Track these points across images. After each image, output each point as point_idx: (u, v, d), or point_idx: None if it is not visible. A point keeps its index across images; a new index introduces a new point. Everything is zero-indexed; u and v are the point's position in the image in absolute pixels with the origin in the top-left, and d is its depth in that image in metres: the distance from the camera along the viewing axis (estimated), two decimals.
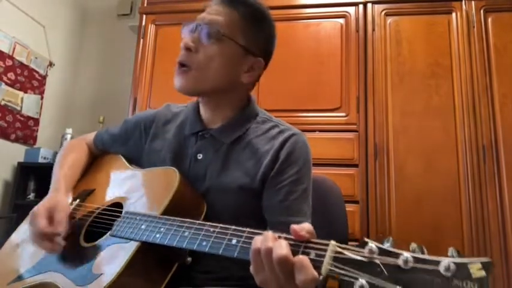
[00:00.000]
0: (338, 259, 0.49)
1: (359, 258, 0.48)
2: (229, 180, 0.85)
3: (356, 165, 1.97)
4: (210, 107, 0.93)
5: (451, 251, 0.45)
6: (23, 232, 0.96)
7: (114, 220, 0.79)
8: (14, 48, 2.56)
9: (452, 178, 1.90)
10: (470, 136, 1.93)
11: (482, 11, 2.07)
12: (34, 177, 2.53)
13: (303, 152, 0.87)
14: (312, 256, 0.51)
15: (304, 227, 0.54)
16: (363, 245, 0.48)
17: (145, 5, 2.47)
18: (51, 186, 0.94)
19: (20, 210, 2.35)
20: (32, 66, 2.71)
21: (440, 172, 1.91)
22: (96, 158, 1.08)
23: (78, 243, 0.82)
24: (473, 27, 2.06)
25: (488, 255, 1.78)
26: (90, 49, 3.18)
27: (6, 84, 2.50)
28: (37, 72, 2.75)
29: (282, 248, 0.51)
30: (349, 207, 1.65)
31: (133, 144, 1.01)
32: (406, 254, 0.45)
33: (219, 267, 0.82)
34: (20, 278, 0.83)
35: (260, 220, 0.84)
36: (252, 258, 0.54)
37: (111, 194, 0.91)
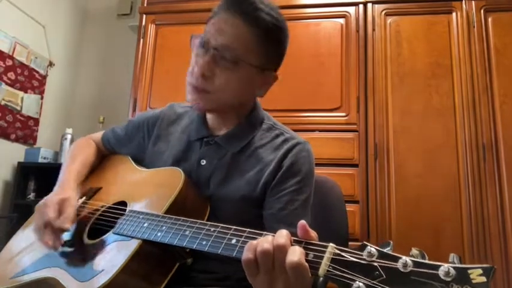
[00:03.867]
0: (336, 261, 0.49)
1: (357, 260, 0.48)
2: (232, 190, 0.85)
3: (356, 165, 1.97)
4: (217, 114, 0.93)
5: (452, 256, 0.44)
6: (27, 229, 0.96)
7: (118, 218, 0.80)
8: (14, 48, 2.56)
9: (452, 178, 1.90)
10: (470, 136, 1.93)
11: (482, 11, 2.07)
12: (34, 177, 2.52)
13: (306, 162, 0.87)
14: (310, 257, 0.51)
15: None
16: (362, 248, 0.48)
17: (145, 5, 2.46)
18: (61, 178, 0.93)
19: (20, 210, 2.35)
20: (32, 66, 2.71)
21: (441, 172, 1.91)
22: (104, 157, 1.09)
23: (81, 240, 0.82)
24: (474, 27, 2.06)
25: (488, 256, 1.79)
26: (90, 49, 3.17)
27: (6, 84, 2.50)
28: (37, 72, 2.75)
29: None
30: (349, 207, 1.64)
31: (137, 144, 1.01)
32: (406, 258, 0.45)
33: (218, 268, 0.81)
34: (22, 272, 0.84)
35: (262, 229, 0.84)
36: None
37: (117, 192, 0.92)
